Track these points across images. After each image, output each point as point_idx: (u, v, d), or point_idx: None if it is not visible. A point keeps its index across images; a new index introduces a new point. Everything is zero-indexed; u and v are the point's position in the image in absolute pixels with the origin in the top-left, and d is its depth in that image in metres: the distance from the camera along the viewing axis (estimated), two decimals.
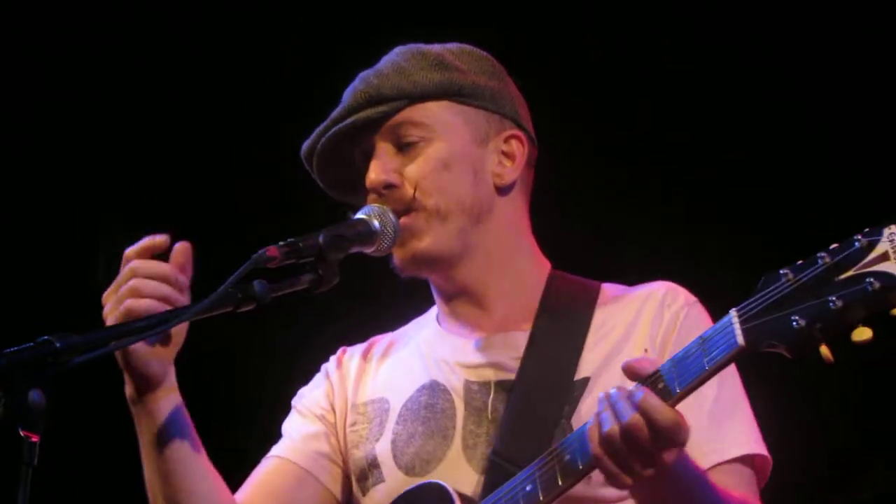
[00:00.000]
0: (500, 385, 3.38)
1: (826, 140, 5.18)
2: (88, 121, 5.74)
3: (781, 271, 2.79)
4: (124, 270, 3.07)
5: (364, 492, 3.43)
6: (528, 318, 3.43)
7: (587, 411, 3.20)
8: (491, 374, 3.40)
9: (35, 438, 2.59)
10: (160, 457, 3.18)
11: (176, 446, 3.18)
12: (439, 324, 3.53)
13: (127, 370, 3.12)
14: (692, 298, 3.40)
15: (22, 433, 2.59)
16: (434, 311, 3.57)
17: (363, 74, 3.49)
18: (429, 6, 5.41)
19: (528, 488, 3.08)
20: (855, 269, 2.69)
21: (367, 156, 3.45)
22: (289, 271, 3.13)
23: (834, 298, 2.70)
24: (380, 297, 4.40)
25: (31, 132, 5.76)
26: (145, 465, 3.22)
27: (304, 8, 5.64)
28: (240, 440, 3.56)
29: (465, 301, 3.47)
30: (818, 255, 2.75)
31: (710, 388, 3.22)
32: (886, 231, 2.69)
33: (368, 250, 3.33)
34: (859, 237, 2.72)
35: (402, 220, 3.37)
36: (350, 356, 3.61)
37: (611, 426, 2.89)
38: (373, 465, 3.43)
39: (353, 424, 3.50)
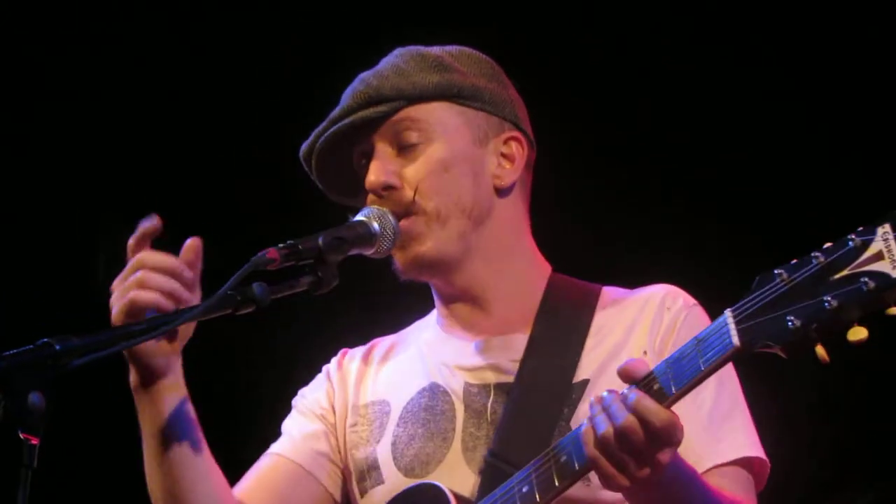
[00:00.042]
0: (500, 387, 3.38)
1: (826, 140, 5.18)
2: (89, 121, 5.74)
3: (776, 271, 2.79)
4: (132, 261, 3.06)
5: (363, 492, 3.44)
6: (528, 321, 3.43)
7: (586, 413, 3.18)
8: (490, 377, 3.40)
9: (35, 441, 2.60)
10: (160, 448, 3.17)
11: (177, 439, 3.17)
12: (440, 326, 3.53)
13: (131, 361, 3.11)
14: (692, 301, 3.40)
15: (22, 435, 2.59)
16: (435, 313, 3.57)
17: (362, 76, 3.49)
18: (429, 6, 5.42)
19: (524, 489, 3.08)
20: (849, 268, 2.69)
21: (366, 157, 3.45)
22: (288, 273, 3.13)
23: (829, 298, 2.69)
24: (379, 297, 4.40)
25: (32, 132, 5.76)
26: (145, 455, 3.21)
27: (304, 8, 5.65)
28: (238, 441, 3.56)
29: (464, 304, 3.47)
30: (812, 254, 2.75)
31: (708, 391, 3.24)
32: (880, 230, 2.69)
33: (368, 252, 3.33)
34: (853, 237, 2.72)
35: (402, 222, 3.37)
36: (351, 358, 3.62)
37: (606, 429, 2.89)
38: (372, 466, 3.43)
39: (354, 425, 3.51)
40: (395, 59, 3.50)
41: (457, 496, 3.22)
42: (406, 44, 3.57)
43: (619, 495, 3.05)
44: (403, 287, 3.48)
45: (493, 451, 3.28)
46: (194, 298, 3.07)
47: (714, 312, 3.16)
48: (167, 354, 3.11)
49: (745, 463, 3.26)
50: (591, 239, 5.22)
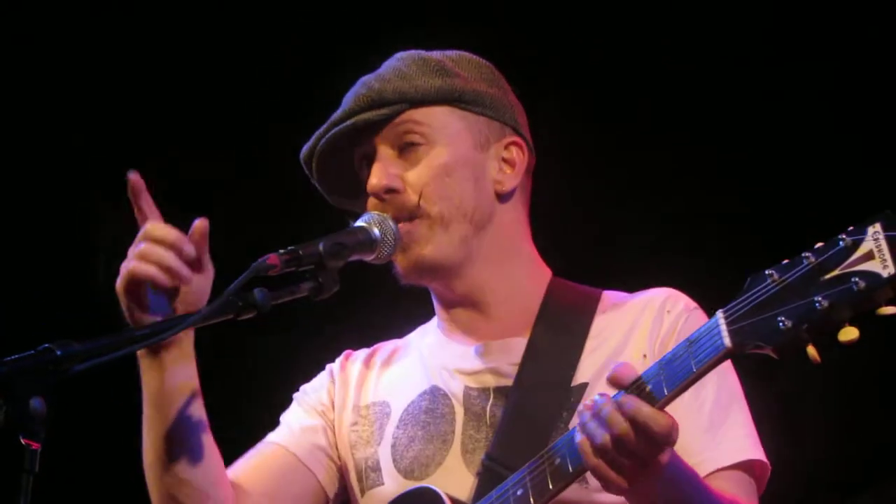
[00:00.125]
0: (499, 391, 3.39)
1: (826, 140, 5.18)
2: (88, 121, 5.75)
3: (767, 272, 2.79)
4: (141, 230, 3.10)
5: (362, 493, 3.45)
6: (528, 325, 3.44)
7: None
8: (490, 381, 3.41)
9: (36, 446, 2.60)
10: (159, 415, 3.19)
11: (178, 409, 3.18)
12: (440, 331, 3.54)
13: (133, 323, 3.12)
14: (692, 304, 3.40)
15: (23, 441, 2.60)
16: (436, 318, 3.57)
17: (364, 79, 3.50)
18: (429, 6, 5.43)
19: (519, 493, 3.09)
20: (840, 268, 2.68)
21: (367, 160, 3.46)
22: (289, 279, 3.14)
23: (820, 299, 2.69)
24: (377, 300, 4.41)
25: (32, 132, 5.78)
26: (144, 423, 3.23)
27: (304, 8, 5.66)
28: (237, 440, 3.57)
29: (465, 308, 3.48)
30: (803, 254, 2.75)
31: (709, 393, 3.25)
32: (870, 230, 2.68)
33: (368, 258, 3.34)
34: (843, 236, 2.71)
35: (405, 226, 3.37)
36: (354, 360, 3.63)
37: (602, 437, 2.88)
38: (372, 467, 3.45)
39: (354, 424, 3.52)
40: (397, 63, 3.50)
41: (453, 500, 3.22)
42: (406, 44, 3.59)
43: (615, 497, 3.03)
44: (401, 290, 3.49)
45: (491, 454, 3.29)
46: (190, 276, 3.09)
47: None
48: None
49: (746, 466, 3.25)
50: (590, 243, 5.22)
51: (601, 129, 5.32)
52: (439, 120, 3.45)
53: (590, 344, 3.39)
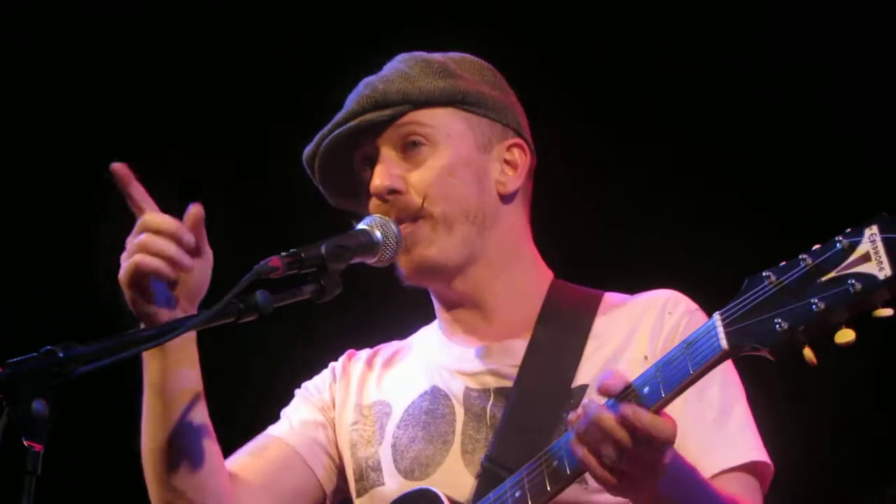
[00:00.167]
0: (499, 392, 3.40)
1: (826, 140, 5.18)
2: (89, 121, 5.76)
3: (764, 273, 2.79)
4: (138, 222, 3.11)
5: (362, 492, 3.47)
6: (529, 327, 3.45)
7: None
8: (490, 382, 3.42)
9: (38, 448, 2.61)
10: (160, 400, 3.21)
11: (180, 392, 3.20)
12: (441, 332, 3.55)
13: (142, 320, 3.13)
14: (693, 306, 3.40)
15: (25, 443, 2.61)
16: (437, 319, 3.59)
17: (367, 80, 3.51)
18: (429, 7, 5.44)
19: (517, 494, 3.10)
20: (836, 270, 2.69)
21: (369, 161, 3.47)
22: (291, 282, 3.15)
23: (816, 300, 2.69)
24: (375, 298, 4.42)
25: (32, 132, 5.79)
26: (144, 417, 3.24)
27: (304, 8, 5.67)
28: (237, 440, 3.58)
29: (466, 309, 3.49)
30: (800, 256, 2.75)
31: (712, 395, 3.26)
32: (867, 231, 2.69)
33: (370, 261, 3.34)
34: (840, 238, 2.72)
35: (407, 227, 3.38)
36: (357, 359, 3.64)
37: (606, 450, 2.88)
38: (373, 467, 3.46)
39: (355, 423, 3.53)
40: (400, 65, 3.52)
41: (452, 502, 3.24)
42: (406, 44, 3.60)
43: (614, 499, 3.06)
44: (399, 292, 3.50)
45: (490, 455, 3.30)
46: (191, 265, 3.10)
47: None
48: (173, 315, 3.14)
49: (750, 467, 3.26)
50: (592, 245, 5.22)
51: (601, 130, 5.32)
52: (442, 121, 3.46)
53: (590, 346, 3.40)
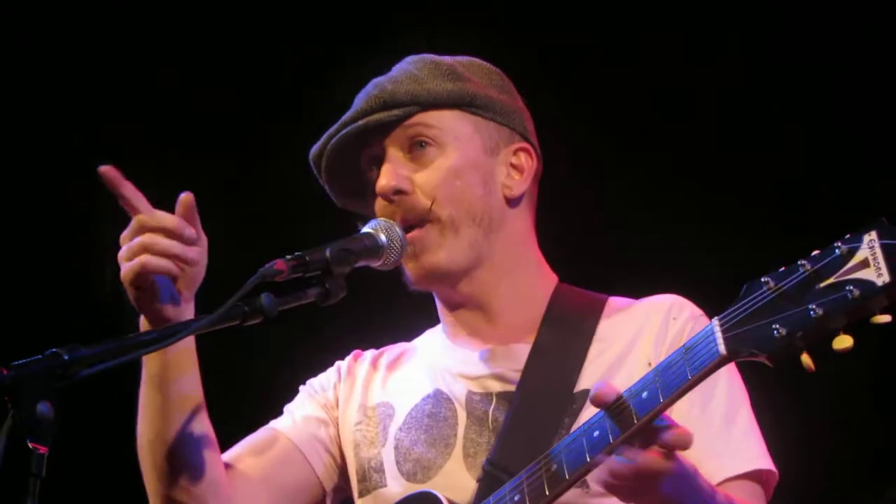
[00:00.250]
0: (502, 396, 3.41)
1: (826, 140, 5.19)
2: (89, 121, 5.76)
3: (762, 279, 2.79)
4: (134, 220, 3.11)
5: (363, 493, 3.48)
6: (532, 330, 3.46)
7: None
8: (493, 386, 3.43)
9: (43, 450, 2.62)
10: (159, 394, 3.22)
11: (178, 383, 3.22)
12: (445, 335, 3.56)
13: (142, 312, 3.15)
14: (698, 312, 3.41)
15: (30, 445, 2.62)
16: (441, 322, 3.60)
17: (376, 80, 3.53)
18: (429, 7, 5.45)
19: (516, 498, 3.10)
20: (835, 276, 2.69)
21: (376, 162, 3.48)
22: (296, 285, 3.15)
23: (814, 306, 2.69)
24: (376, 298, 4.43)
25: (32, 132, 5.79)
26: (142, 400, 3.25)
27: (304, 8, 5.67)
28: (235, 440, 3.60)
29: (469, 311, 3.50)
30: (799, 262, 2.76)
31: (717, 402, 3.27)
32: (866, 238, 2.68)
33: (375, 264, 3.35)
34: (839, 244, 2.72)
35: (416, 232, 3.40)
36: (362, 360, 3.66)
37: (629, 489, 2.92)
38: (375, 468, 3.47)
39: (358, 423, 3.54)
40: (409, 66, 3.53)
41: None
42: (406, 44, 3.62)
43: (614, 501, 3.05)
44: (401, 292, 3.51)
45: (492, 458, 3.31)
46: (196, 258, 3.12)
47: None
48: (178, 309, 3.16)
49: (755, 475, 3.27)
50: (593, 246, 5.23)
51: (601, 130, 5.33)
52: (450, 123, 3.47)
53: (594, 350, 3.41)
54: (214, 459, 3.33)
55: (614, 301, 3.51)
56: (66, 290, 5.72)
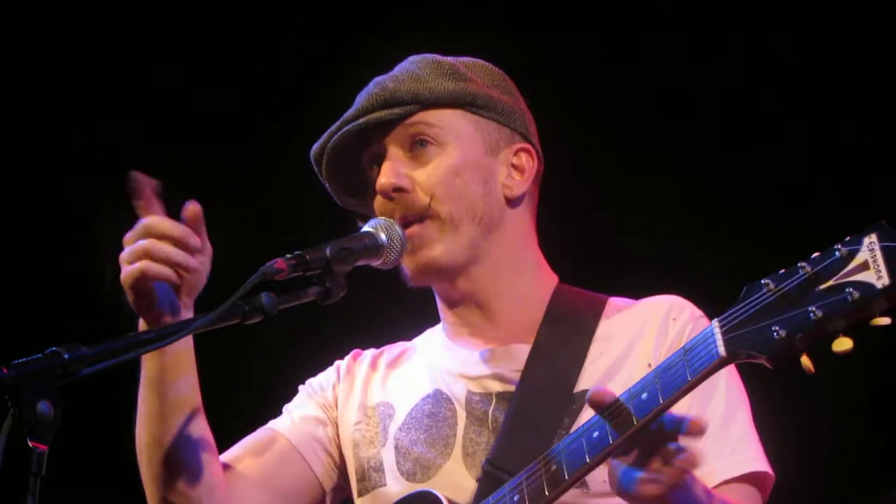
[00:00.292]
0: (502, 396, 3.41)
1: (829, 141, 5.19)
2: (89, 121, 5.77)
3: (762, 281, 2.79)
4: (140, 223, 3.11)
5: (363, 492, 3.48)
6: (532, 331, 3.46)
7: None
8: (492, 386, 3.43)
9: (43, 449, 2.62)
10: (156, 395, 3.22)
11: (176, 386, 3.22)
12: (445, 334, 3.56)
13: (140, 314, 3.15)
14: (698, 313, 3.41)
15: (30, 443, 2.62)
16: (441, 321, 3.60)
17: (378, 79, 3.53)
18: (429, 7, 5.45)
19: (515, 498, 3.11)
20: (835, 278, 2.69)
21: (377, 160, 3.48)
22: (296, 284, 3.16)
23: (814, 309, 2.69)
24: (377, 298, 4.43)
25: (32, 132, 5.79)
26: (140, 402, 3.26)
27: (304, 8, 5.67)
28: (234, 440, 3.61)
29: (469, 310, 3.50)
30: (799, 264, 2.76)
31: (716, 404, 3.27)
32: (866, 240, 2.69)
33: (375, 263, 3.35)
34: (839, 246, 2.72)
35: (415, 227, 3.40)
36: (362, 360, 3.66)
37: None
38: (375, 468, 3.47)
39: (358, 423, 3.55)
40: (411, 65, 3.53)
41: None
42: (406, 45, 3.62)
43: (615, 502, 3.06)
44: (402, 291, 3.51)
45: (491, 458, 3.31)
46: (198, 267, 3.12)
47: None
48: (176, 315, 3.16)
49: (751, 478, 3.27)
50: (595, 248, 5.23)
51: (601, 130, 5.34)
52: (451, 122, 3.48)
53: (593, 351, 3.41)
54: (211, 462, 3.33)
55: (614, 301, 3.51)
56: (66, 290, 5.72)
